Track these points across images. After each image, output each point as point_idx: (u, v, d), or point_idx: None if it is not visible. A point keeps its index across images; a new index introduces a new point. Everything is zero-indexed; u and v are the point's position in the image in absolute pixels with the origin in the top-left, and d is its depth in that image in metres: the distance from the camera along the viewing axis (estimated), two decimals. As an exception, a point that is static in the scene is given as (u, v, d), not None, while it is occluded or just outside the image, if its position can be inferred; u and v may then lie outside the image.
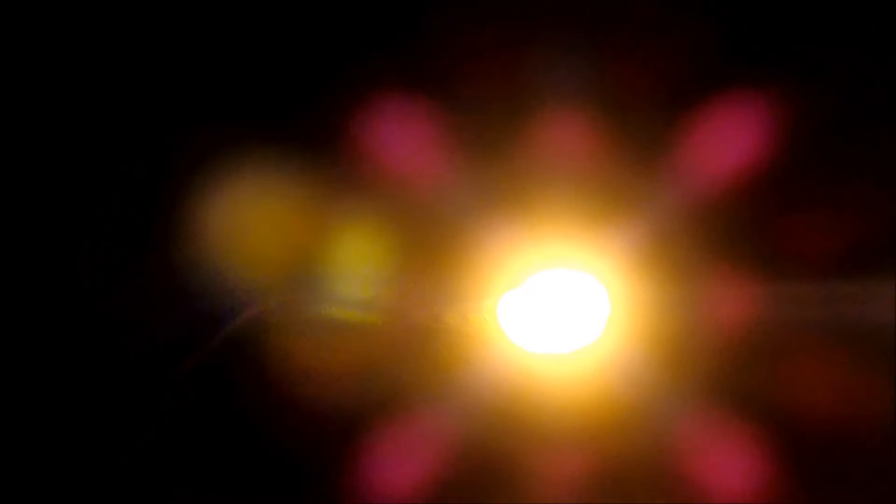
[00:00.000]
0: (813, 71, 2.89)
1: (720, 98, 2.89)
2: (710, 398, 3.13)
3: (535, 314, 3.06)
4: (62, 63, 2.89)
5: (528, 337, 3.05)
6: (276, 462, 3.24)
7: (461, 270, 3.07)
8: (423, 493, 3.22)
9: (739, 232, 3.02)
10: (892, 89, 2.87)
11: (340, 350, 3.13)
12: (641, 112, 2.95)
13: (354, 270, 3.10)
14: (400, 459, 3.21)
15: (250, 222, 3.04)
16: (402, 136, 2.99)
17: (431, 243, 3.11)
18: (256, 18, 2.91)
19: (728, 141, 2.92)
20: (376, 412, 3.19)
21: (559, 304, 3.04)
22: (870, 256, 2.93)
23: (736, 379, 3.11)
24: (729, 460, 3.13)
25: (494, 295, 3.08)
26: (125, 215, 3.02)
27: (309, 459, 3.22)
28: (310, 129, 2.99)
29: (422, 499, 3.21)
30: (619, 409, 3.15)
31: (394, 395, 3.19)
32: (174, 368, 3.03)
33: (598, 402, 3.14)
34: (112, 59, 2.91)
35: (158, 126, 2.96)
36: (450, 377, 3.15)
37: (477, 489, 3.24)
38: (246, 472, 3.24)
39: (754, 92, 2.89)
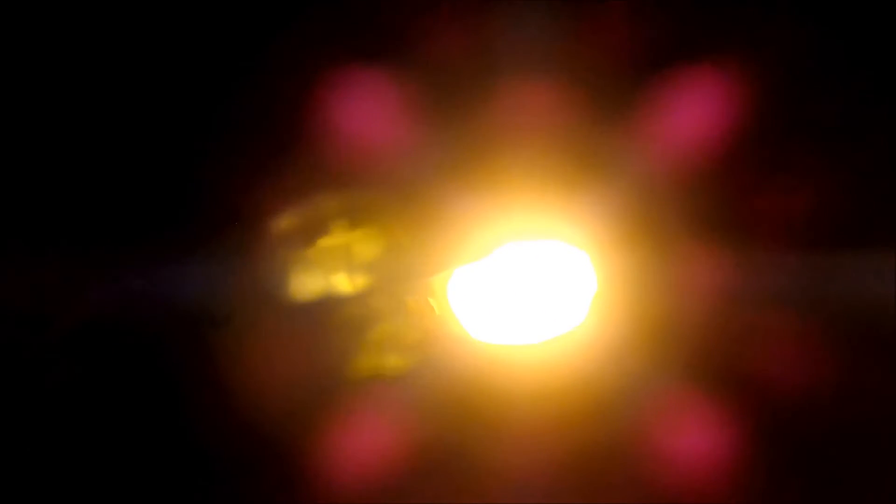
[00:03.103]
0: (792, 32, 2.68)
1: (697, 60, 2.65)
2: (698, 381, 2.79)
3: (500, 295, 2.61)
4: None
5: (490, 325, 2.61)
6: (211, 459, 2.86)
7: (415, 243, 2.62)
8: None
9: (724, 200, 2.73)
10: (872, 48, 2.70)
11: (267, 336, 2.74)
12: (614, 72, 2.64)
13: (295, 242, 2.67)
14: (344, 461, 2.82)
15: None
16: (357, 99, 2.61)
17: (386, 212, 2.67)
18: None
19: (705, 103, 2.65)
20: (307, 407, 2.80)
21: (533, 283, 2.60)
22: (862, 226, 2.75)
23: (724, 359, 2.80)
24: (717, 446, 2.85)
25: (446, 271, 2.64)
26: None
27: (242, 458, 2.86)
28: (258, 92, 2.64)
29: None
30: (599, 399, 2.74)
31: (329, 389, 2.79)
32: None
33: (575, 393, 2.73)
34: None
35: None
36: (392, 371, 2.74)
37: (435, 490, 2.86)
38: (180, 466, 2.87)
39: (736, 53, 2.66)
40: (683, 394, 2.79)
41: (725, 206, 2.74)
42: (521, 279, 2.57)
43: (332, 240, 2.67)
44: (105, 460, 2.85)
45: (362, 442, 2.81)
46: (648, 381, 2.73)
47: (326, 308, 2.69)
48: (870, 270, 2.74)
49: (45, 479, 2.83)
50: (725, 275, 2.73)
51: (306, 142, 2.63)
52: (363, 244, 2.66)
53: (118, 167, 2.72)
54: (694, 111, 2.67)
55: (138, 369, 2.80)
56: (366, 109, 2.61)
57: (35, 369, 2.76)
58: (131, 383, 2.81)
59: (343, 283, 2.67)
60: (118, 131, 2.70)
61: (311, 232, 2.67)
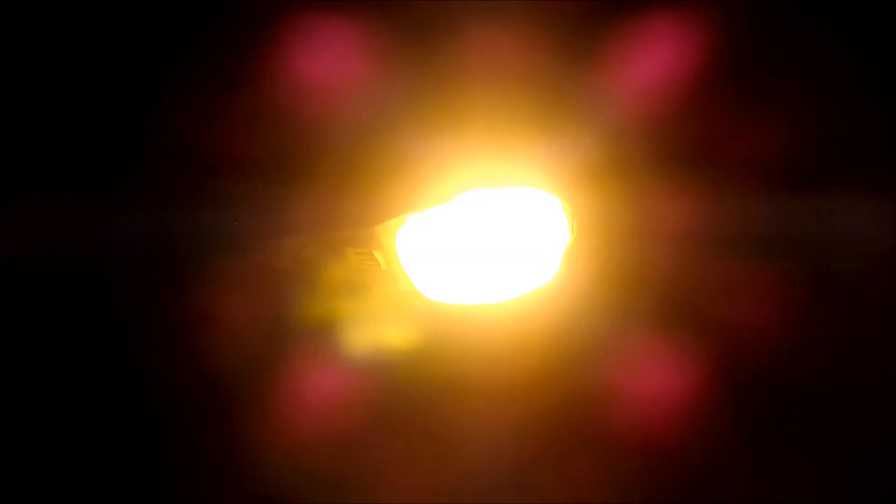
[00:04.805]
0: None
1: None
2: (675, 334, 2.65)
3: (460, 249, 2.37)
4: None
5: (448, 284, 2.36)
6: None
7: (367, 188, 2.38)
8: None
9: (697, 143, 2.58)
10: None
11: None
12: (582, 13, 2.48)
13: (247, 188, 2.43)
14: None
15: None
16: (315, 38, 2.37)
17: (340, 155, 2.43)
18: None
19: (676, 44, 2.54)
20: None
21: (499, 234, 2.35)
22: (837, 170, 2.66)
23: (703, 309, 2.67)
24: (695, 400, 2.75)
25: (397, 220, 2.38)
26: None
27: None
28: (214, 32, 2.42)
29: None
30: (574, 360, 2.55)
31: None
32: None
33: (547, 355, 2.53)
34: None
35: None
36: (343, 335, 2.52)
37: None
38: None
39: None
40: (661, 354, 2.65)
41: (699, 150, 2.59)
42: (485, 230, 2.33)
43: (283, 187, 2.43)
44: (50, 406, 2.67)
45: (315, 410, 2.62)
46: (626, 339, 2.56)
47: (274, 256, 2.48)
48: (844, 214, 2.68)
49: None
50: (701, 220, 2.59)
51: (263, 83, 2.40)
52: (312, 190, 2.42)
53: (65, 109, 2.50)
54: (666, 52, 2.53)
55: (85, 311, 2.62)
56: (324, 49, 2.38)
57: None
58: (77, 327, 2.63)
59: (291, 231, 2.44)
60: (67, 75, 2.48)
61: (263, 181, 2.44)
